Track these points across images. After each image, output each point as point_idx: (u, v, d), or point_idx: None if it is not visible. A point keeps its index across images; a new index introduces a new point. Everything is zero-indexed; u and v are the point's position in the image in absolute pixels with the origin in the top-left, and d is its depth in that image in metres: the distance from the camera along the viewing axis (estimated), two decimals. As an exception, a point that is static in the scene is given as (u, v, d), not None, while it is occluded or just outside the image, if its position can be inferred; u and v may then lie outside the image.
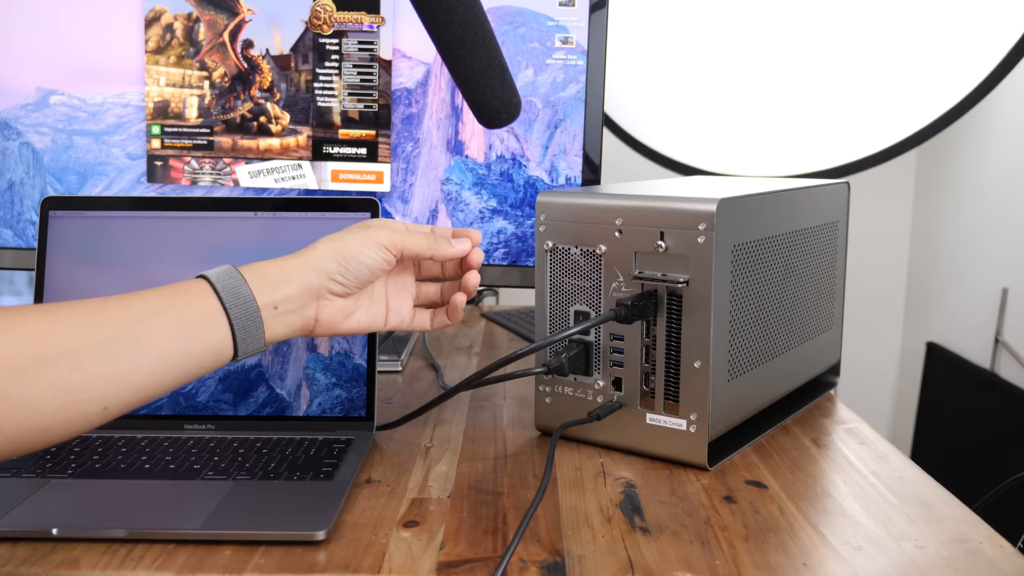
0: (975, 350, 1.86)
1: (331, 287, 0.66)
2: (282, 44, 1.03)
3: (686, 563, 0.59)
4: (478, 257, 0.75)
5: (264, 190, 1.05)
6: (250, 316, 0.61)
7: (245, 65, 1.04)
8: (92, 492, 0.67)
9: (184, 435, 0.78)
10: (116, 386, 0.55)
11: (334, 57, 1.03)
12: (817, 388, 0.96)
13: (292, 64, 1.03)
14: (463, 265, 0.76)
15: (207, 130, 1.05)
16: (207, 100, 1.04)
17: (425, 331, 0.77)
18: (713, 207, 0.71)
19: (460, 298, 0.75)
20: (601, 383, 0.78)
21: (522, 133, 1.03)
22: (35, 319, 0.54)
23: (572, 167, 1.04)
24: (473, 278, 0.75)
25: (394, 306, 0.74)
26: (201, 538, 0.60)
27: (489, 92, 0.78)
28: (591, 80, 1.02)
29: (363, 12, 1.02)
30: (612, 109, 1.86)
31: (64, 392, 0.53)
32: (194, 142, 1.05)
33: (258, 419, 0.80)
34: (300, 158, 1.04)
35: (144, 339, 0.56)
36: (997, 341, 1.77)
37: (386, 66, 1.03)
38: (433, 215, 1.05)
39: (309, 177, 1.05)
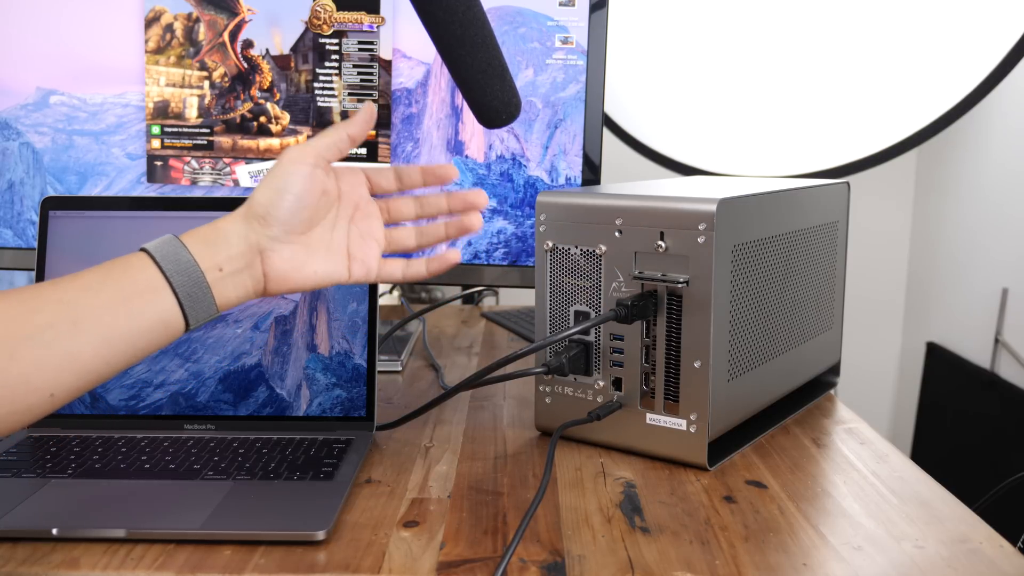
0: (975, 350, 1.86)
1: (270, 232, 0.62)
2: (282, 44, 1.03)
3: (686, 563, 0.59)
4: (479, 199, 0.70)
5: (264, 190, 1.05)
6: (195, 282, 0.58)
7: (245, 65, 1.04)
8: (92, 492, 0.67)
9: (184, 435, 0.78)
10: (58, 372, 0.53)
11: (334, 57, 1.03)
12: (817, 388, 0.96)
13: (292, 64, 1.03)
14: (454, 204, 0.70)
15: (207, 130, 1.05)
16: (207, 100, 1.04)
17: (395, 282, 0.69)
18: (713, 207, 0.71)
19: (452, 255, 0.69)
20: (601, 383, 0.78)
21: (522, 133, 1.03)
22: None
23: (572, 167, 1.04)
24: (475, 220, 0.69)
25: (357, 255, 0.67)
26: (201, 538, 0.60)
27: (489, 92, 0.78)
28: (591, 80, 1.02)
29: (363, 12, 1.02)
30: (612, 109, 1.86)
31: (3, 384, 0.51)
32: (194, 142, 1.05)
33: (258, 419, 0.80)
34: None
35: (82, 319, 0.54)
36: (997, 341, 1.77)
37: (386, 66, 1.03)
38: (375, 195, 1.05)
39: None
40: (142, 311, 0.57)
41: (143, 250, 0.59)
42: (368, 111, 0.67)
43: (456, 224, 0.71)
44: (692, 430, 0.74)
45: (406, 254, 0.71)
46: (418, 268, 0.70)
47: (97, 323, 0.55)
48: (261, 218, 0.62)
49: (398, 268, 0.70)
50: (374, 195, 0.71)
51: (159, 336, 0.58)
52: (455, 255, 0.70)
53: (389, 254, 0.70)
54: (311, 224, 0.64)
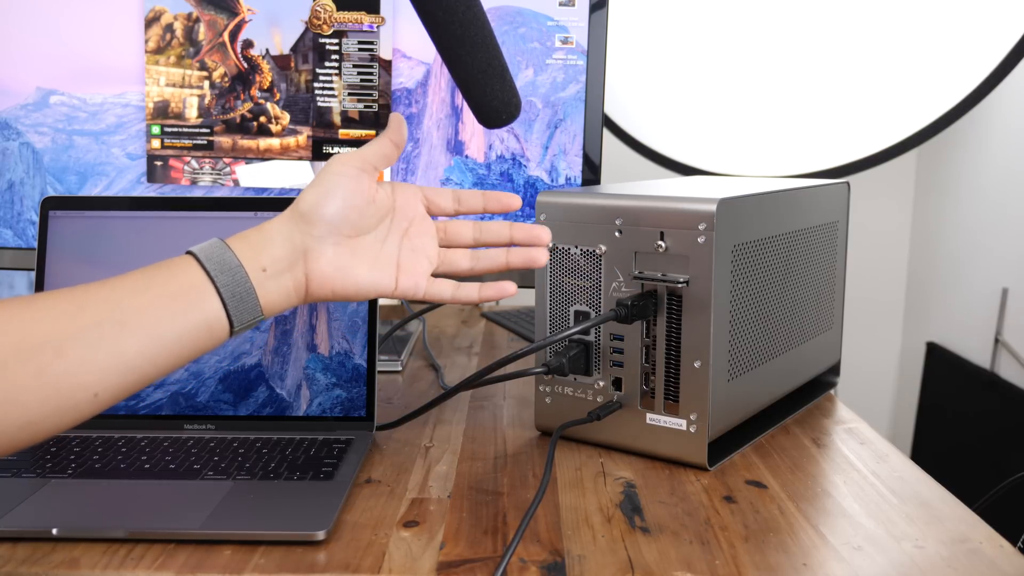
0: (975, 350, 1.86)
1: (314, 232, 0.61)
2: (282, 44, 1.03)
3: (686, 563, 0.59)
4: (544, 235, 0.68)
5: (264, 190, 1.05)
6: (239, 283, 0.58)
7: (245, 65, 1.04)
8: (92, 492, 0.67)
9: (184, 435, 0.78)
10: (104, 371, 0.53)
11: (334, 57, 1.03)
12: (817, 388, 0.96)
13: (292, 64, 1.03)
14: (518, 235, 0.69)
15: (207, 130, 1.05)
16: (207, 100, 1.04)
17: (443, 302, 0.68)
18: (713, 207, 0.71)
19: (509, 286, 0.67)
20: (601, 383, 0.78)
21: (522, 133, 1.03)
22: (15, 310, 0.52)
23: (572, 167, 1.04)
24: (541, 256, 0.68)
25: (406, 268, 0.66)
26: (201, 538, 0.60)
27: (489, 92, 0.78)
28: (591, 80, 1.02)
29: (363, 12, 1.02)
30: (612, 109, 1.86)
31: (48, 382, 0.51)
32: (194, 142, 1.05)
33: (258, 419, 0.80)
34: (300, 158, 1.04)
35: (128, 319, 0.54)
36: (997, 341, 1.77)
37: (386, 66, 1.03)
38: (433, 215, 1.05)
39: (309, 177, 1.05)
40: (186, 312, 0.56)
41: (189, 253, 0.59)
42: (396, 119, 0.68)
43: (521, 254, 0.68)
44: (692, 430, 0.74)
45: (457, 277, 0.70)
46: (470, 292, 0.68)
47: (143, 323, 0.54)
48: (306, 217, 0.62)
49: (448, 289, 0.68)
50: (432, 215, 0.70)
51: (204, 339, 0.57)
52: (512, 287, 0.68)
53: (440, 274, 0.69)
54: (358, 230, 0.64)
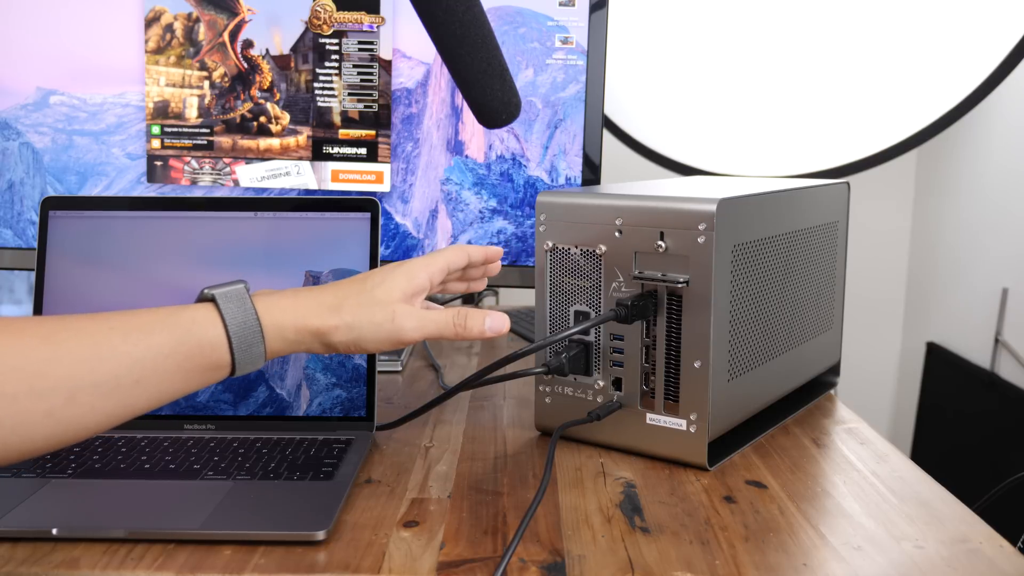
0: (975, 350, 1.86)
1: (335, 348, 0.64)
2: (282, 44, 1.03)
3: (686, 563, 0.59)
4: (495, 269, 0.76)
5: (264, 190, 1.05)
6: (254, 360, 0.60)
7: (245, 65, 1.04)
8: (92, 492, 0.67)
9: (184, 435, 0.78)
10: (111, 418, 0.54)
11: (334, 57, 1.03)
12: (817, 388, 0.96)
13: (292, 64, 1.03)
14: (473, 272, 0.75)
15: (207, 130, 1.05)
16: (207, 100, 1.04)
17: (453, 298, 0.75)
18: (713, 207, 0.71)
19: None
20: (601, 383, 0.78)
21: (522, 133, 1.03)
22: (35, 346, 0.52)
23: (572, 167, 1.04)
24: (495, 268, 0.76)
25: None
26: (201, 538, 0.60)
27: (489, 92, 0.78)
28: (591, 80, 1.02)
29: (363, 12, 1.02)
30: (612, 110, 1.86)
31: (56, 423, 0.52)
32: (194, 142, 1.05)
33: (258, 419, 0.80)
34: (300, 158, 1.04)
35: (145, 379, 0.55)
36: (997, 341, 1.77)
37: (386, 66, 1.03)
38: (433, 215, 1.05)
39: (309, 177, 1.05)
40: (201, 380, 0.58)
41: (216, 308, 0.59)
42: (502, 322, 0.68)
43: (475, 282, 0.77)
44: (692, 430, 0.74)
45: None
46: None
47: (158, 384, 0.56)
48: (334, 347, 0.63)
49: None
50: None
51: (203, 386, 0.59)
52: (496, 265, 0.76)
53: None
54: None
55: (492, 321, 0.67)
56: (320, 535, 0.60)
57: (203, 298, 0.60)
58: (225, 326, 0.58)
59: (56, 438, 0.53)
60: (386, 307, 0.63)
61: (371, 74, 1.03)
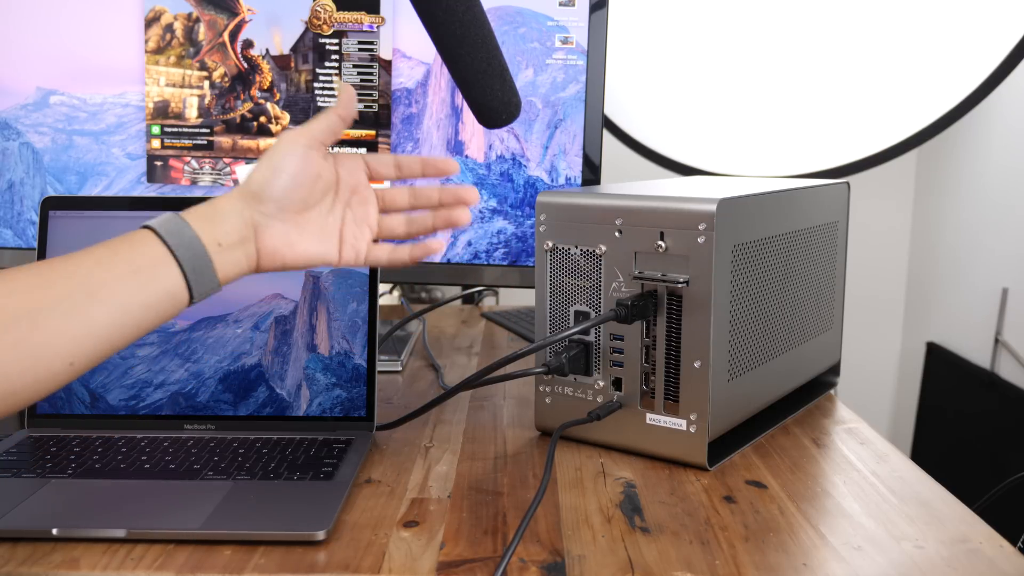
0: (975, 350, 1.86)
1: (263, 209, 0.64)
2: (282, 44, 1.03)
3: (686, 563, 0.59)
4: (470, 195, 0.72)
5: (264, 190, 1.05)
6: (198, 256, 0.61)
7: (245, 65, 1.04)
8: (92, 492, 0.67)
9: (184, 435, 0.78)
10: (78, 340, 0.56)
11: (334, 57, 1.03)
12: (817, 388, 0.96)
13: (292, 64, 1.03)
14: (445, 197, 0.72)
15: (207, 130, 1.05)
16: (207, 100, 1.04)
17: (380, 266, 0.72)
18: (713, 207, 0.71)
19: (435, 244, 0.71)
20: (601, 383, 0.78)
21: (522, 133, 1.03)
22: None
23: (572, 167, 1.04)
24: (463, 215, 0.72)
25: (349, 239, 0.69)
26: (201, 538, 0.60)
27: (489, 92, 0.78)
28: (591, 80, 1.02)
29: (363, 12, 1.02)
30: (612, 110, 1.86)
31: (28, 353, 0.54)
32: (194, 142, 1.05)
33: (258, 419, 0.80)
34: (300, 158, 1.04)
35: (96, 290, 0.57)
36: (997, 341, 1.77)
37: (386, 66, 1.03)
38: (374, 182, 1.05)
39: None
40: (152, 283, 0.59)
41: (147, 227, 0.61)
42: (347, 91, 0.70)
43: (444, 216, 0.73)
44: (692, 430, 0.74)
45: (394, 240, 0.73)
46: (402, 254, 0.72)
47: (111, 294, 0.57)
48: (256, 195, 0.64)
49: (384, 253, 0.71)
50: (372, 182, 0.73)
51: (167, 308, 0.60)
52: (439, 244, 0.72)
53: (378, 239, 0.72)
54: (305, 205, 0.67)
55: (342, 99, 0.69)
56: (320, 535, 0.60)
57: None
58: (148, 226, 0.61)
59: (31, 373, 0.54)
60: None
61: (371, 74, 1.03)
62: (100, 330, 0.57)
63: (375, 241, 0.72)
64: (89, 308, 0.56)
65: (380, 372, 1.00)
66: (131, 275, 0.58)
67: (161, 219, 0.61)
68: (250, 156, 1.04)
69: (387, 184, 0.75)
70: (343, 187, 0.70)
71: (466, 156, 1.04)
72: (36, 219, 1.05)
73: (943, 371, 1.98)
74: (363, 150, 1.04)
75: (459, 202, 0.72)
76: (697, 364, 0.73)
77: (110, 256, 0.59)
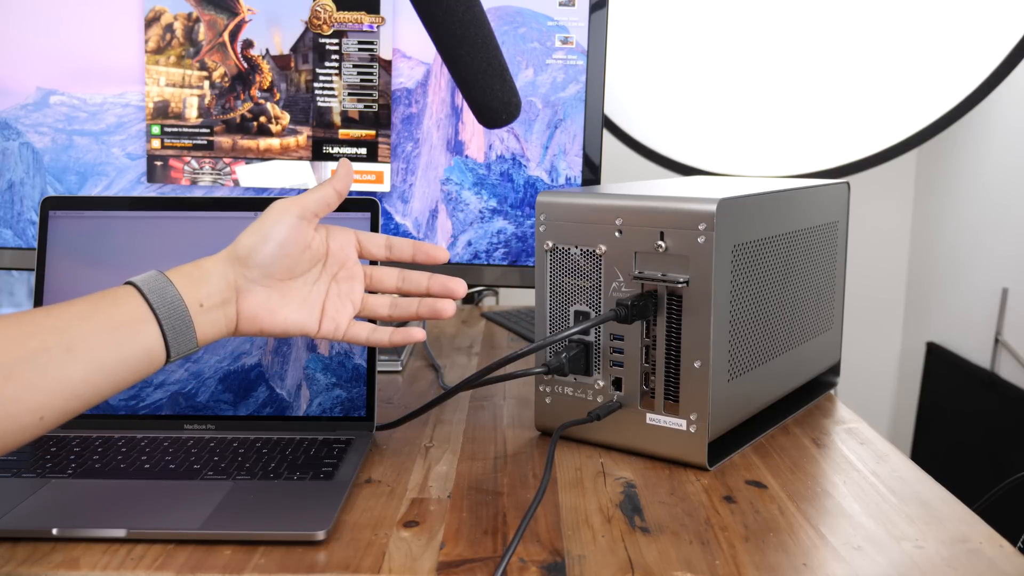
0: (975, 350, 1.86)
1: (248, 274, 0.65)
2: (282, 44, 1.03)
3: (686, 563, 0.59)
4: (458, 288, 0.71)
5: (264, 190, 1.05)
6: (178, 316, 0.61)
7: (245, 65, 1.04)
8: (92, 492, 0.67)
9: (184, 435, 0.78)
10: (50, 395, 0.55)
11: (334, 57, 1.03)
12: (817, 388, 0.96)
13: (292, 64, 1.03)
14: (434, 287, 0.72)
15: (207, 130, 1.05)
16: (207, 100, 1.04)
17: (358, 344, 0.71)
18: (713, 207, 0.71)
19: (418, 333, 0.70)
20: (601, 383, 0.78)
21: (522, 133, 1.03)
22: None
23: (572, 167, 1.04)
24: (448, 307, 0.71)
25: (330, 313, 0.69)
26: (201, 538, 0.60)
27: (489, 92, 0.78)
28: (591, 80, 1.02)
29: (363, 12, 1.02)
30: (612, 110, 1.86)
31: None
32: (194, 142, 1.05)
33: (258, 419, 0.80)
34: (300, 158, 1.04)
35: (75, 346, 0.56)
36: (997, 341, 1.77)
37: (386, 66, 1.03)
38: (433, 215, 1.05)
39: (309, 177, 1.05)
40: (130, 341, 0.59)
41: (130, 283, 0.61)
42: (346, 166, 0.71)
43: (429, 306, 0.72)
44: (692, 430, 0.74)
45: (375, 320, 0.73)
46: (381, 336, 0.71)
47: (88, 350, 0.57)
48: (242, 260, 0.65)
49: (364, 332, 0.71)
50: (362, 259, 0.73)
51: (143, 366, 0.60)
52: (421, 335, 0.71)
53: (360, 318, 0.72)
54: (291, 274, 0.67)
55: (338, 176, 0.70)
56: (320, 535, 0.60)
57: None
58: (131, 283, 0.61)
59: (2, 423, 0.53)
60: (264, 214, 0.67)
61: (371, 74, 1.03)
62: (74, 386, 0.56)
63: (356, 318, 0.72)
64: (65, 363, 0.56)
65: (380, 372, 1.00)
66: (111, 332, 0.58)
67: (145, 276, 0.62)
68: (250, 156, 1.05)
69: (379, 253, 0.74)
70: (332, 260, 0.70)
71: (466, 156, 1.04)
72: (36, 219, 1.05)
73: (943, 371, 1.98)
74: (363, 150, 1.04)
75: (447, 293, 0.72)
76: (697, 364, 0.73)
77: (91, 311, 0.59)
